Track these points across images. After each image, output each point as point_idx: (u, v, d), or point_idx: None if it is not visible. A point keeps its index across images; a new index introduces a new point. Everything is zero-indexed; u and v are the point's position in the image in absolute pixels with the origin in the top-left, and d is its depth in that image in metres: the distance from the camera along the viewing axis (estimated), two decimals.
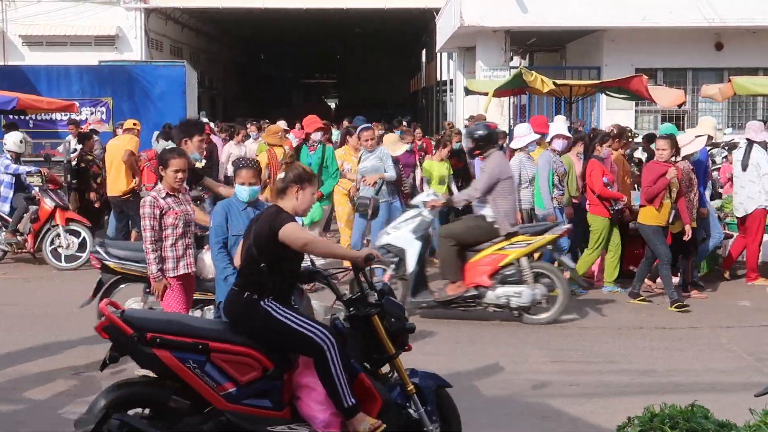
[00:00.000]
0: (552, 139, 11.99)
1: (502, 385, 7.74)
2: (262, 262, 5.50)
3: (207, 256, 7.71)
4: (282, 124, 17.41)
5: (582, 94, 16.52)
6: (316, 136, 11.79)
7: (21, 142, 13.83)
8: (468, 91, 19.80)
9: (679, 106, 17.54)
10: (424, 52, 47.45)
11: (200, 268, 7.80)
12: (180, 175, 7.23)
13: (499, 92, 16.42)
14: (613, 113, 21.40)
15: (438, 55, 36.60)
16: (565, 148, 12.01)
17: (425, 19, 34.61)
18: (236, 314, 5.54)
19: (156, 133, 14.44)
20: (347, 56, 61.49)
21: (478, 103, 21.80)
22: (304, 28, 42.92)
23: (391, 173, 11.77)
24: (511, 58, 24.84)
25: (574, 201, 11.91)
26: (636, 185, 12.89)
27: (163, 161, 7.26)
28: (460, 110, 27.12)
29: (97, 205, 14.74)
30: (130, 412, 5.36)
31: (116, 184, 12.99)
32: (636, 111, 23.04)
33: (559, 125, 12.42)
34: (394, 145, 12.71)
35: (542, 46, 28.89)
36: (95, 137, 16.10)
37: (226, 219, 6.96)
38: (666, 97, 15.95)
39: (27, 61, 28.12)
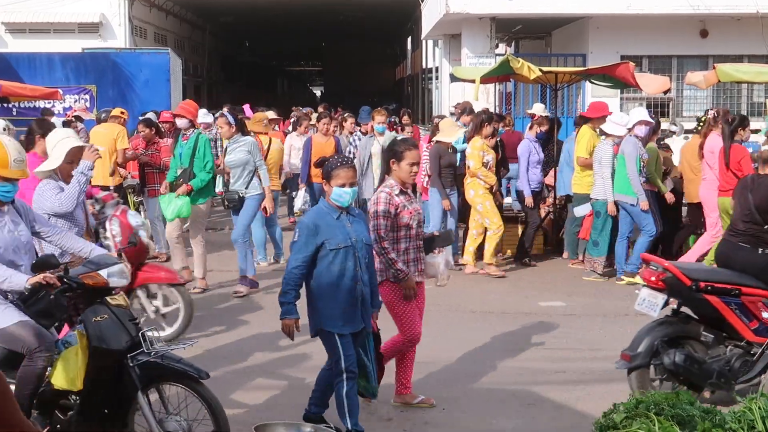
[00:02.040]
0: (635, 125, 11.57)
1: (486, 373, 7.75)
2: (765, 224, 6.85)
3: (439, 258, 6.90)
4: (271, 114, 17.04)
5: (567, 82, 16.51)
6: (182, 123, 11.02)
7: (4, 129, 13.72)
8: (454, 79, 19.76)
9: (665, 93, 17.55)
10: (409, 39, 47.34)
11: (432, 273, 6.92)
12: (415, 168, 6.55)
13: (485, 79, 16.39)
14: (598, 100, 21.41)
15: (423, 42, 36.53)
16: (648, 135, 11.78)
17: (410, 7, 34.49)
18: (754, 266, 6.77)
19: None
20: (332, 44, 61.26)
21: (463, 90, 21.79)
22: (288, 16, 42.72)
23: (263, 171, 11.15)
24: (497, 46, 24.83)
25: (652, 190, 11.76)
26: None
27: (397, 153, 6.52)
28: (446, 98, 27.09)
29: None
30: None
31: (98, 173, 12.84)
32: (621, 98, 23.06)
33: (641, 111, 12.04)
34: (450, 129, 12.14)
35: (528, 34, 28.86)
36: (80, 125, 15.97)
37: (316, 233, 5.86)
38: (651, 84, 15.94)
39: (10, 49, 27.87)
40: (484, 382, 7.51)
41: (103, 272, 5.51)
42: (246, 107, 21.90)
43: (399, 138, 6.84)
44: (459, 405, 6.92)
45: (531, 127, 13.34)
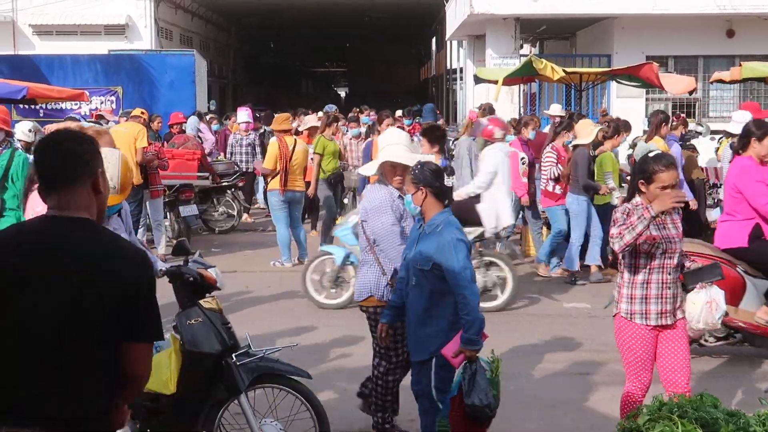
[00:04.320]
0: None
1: (510, 375, 7.72)
2: None
3: (699, 297, 5.74)
4: (312, 118, 16.16)
5: (592, 82, 16.47)
6: None
7: (30, 131, 13.82)
8: (478, 80, 19.77)
9: (690, 93, 17.46)
10: (434, 40, 47.39)
11: (689, 313, 5.71)
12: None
13: (509, 80, 16.38)
14: (623, 101, 21.35)
15: (448, 43, 36.56)
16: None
17: (435, 7, 34.54)
18: None
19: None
20: (357, 45, 61.43)
21: (488, 91, 21.76)
22: (313, 17, 42.88)
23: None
24: (521, 46, 24.81)
25: None
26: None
27: (646, 174, 5.40)
28: (470, 99, 27.09)
29: None
30: None
31: None
32: (647, 99, 22.97)
33: None
34: (588, 130, 11.37)
35: (552, 34, 28.82)
36: (104, 125, 16.07)
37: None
38: (676, 84, 15.88)
39: (37, 51, 28.17)
40: (507, 383, 7.46)
41: (212, 271, 5.53)
42: (243, 109, 21.47)
43: (653, 154, 5.59)
44: None
45: (676, 128, 12.89)
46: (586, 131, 11.38)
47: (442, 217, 5.41)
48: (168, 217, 13.86)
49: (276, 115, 13.83)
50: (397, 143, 6.16)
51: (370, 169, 6.31)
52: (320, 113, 20.57)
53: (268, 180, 12.81)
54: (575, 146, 11.30)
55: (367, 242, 6.10)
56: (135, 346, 3.23)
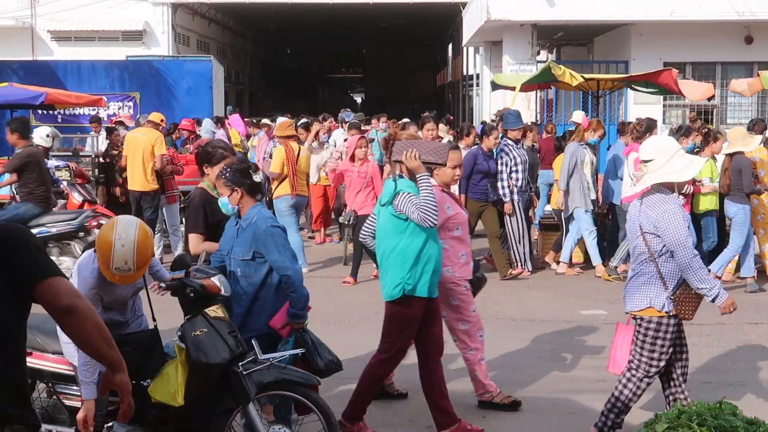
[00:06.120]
0: None
1: (527, 381, 7.71)
2: None
3: None
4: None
5: (609, 89, 16.41)
6: None
7: (47, 136, 13.88)
8: (495, 86, 19.75)
9: (708, 99, 17.37)
10: (450, 46, 47.38)
11: None
12: None
13: (526, 86, 16.34)
14: (641, 107, 21.27)
15: (464, 49, 36.55)
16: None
17: (452, 13, 34.52)
18: None
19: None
20: (373, 51, 61.50)
21: (504, 97, 21.76)
22: (329, 23, 42.97)
23: None
24: (538, 53, 24.79)
25: None
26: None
27: None
28: (487, 105, 27.08)
29: (122, 200, 14.77)
30: None
31: (137, 178, 12.92)
32: (664, 105, 22.89)
33: None
34: (744, 139, 11.14)
35: (569, 40, 28.78)
36: (123, 131, 16.13)
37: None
38: (695, 90, 15.79)
39: (55, 57, 28.34)
40: (523, 390, 7.47)
41: (215, 279, 5.53)
42: (235, 117, 21.29)
43: None
44: (499, 413, 6.88)
45: None
46: (745, 140, 11.11)
47: (255, 210, 5.91)
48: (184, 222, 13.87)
49: (281, 122, 13.82)
50: (680, 149, 6.13)
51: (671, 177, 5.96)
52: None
53: (273, 187, 12.72)
54: (732, 154, 11.02)
55: (650, 254, 5.86)
56: (42, 285, 3.30)
